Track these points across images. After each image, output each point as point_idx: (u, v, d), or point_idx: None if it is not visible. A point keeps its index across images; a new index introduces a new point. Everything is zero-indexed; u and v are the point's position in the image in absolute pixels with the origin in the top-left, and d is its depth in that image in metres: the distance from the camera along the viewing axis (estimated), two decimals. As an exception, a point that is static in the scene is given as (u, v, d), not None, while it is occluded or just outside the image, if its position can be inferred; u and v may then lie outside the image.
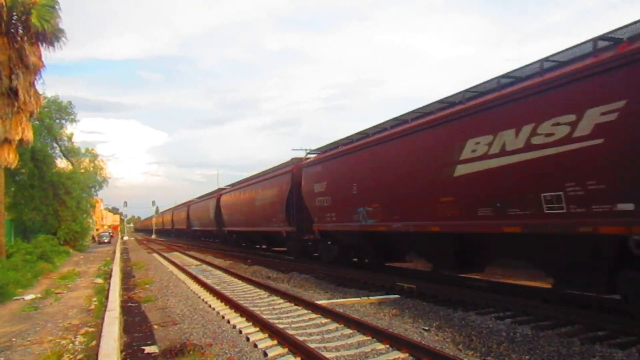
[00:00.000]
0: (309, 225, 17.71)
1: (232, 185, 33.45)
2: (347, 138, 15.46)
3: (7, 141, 16.91)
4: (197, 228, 46.45)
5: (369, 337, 7.23)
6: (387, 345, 6.76)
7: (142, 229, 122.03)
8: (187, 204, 52.59)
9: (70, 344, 7.51)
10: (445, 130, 10.31)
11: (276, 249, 26.98)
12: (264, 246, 29.33)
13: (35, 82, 17.92)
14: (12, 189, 26.72)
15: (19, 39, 17.24)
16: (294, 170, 19.24)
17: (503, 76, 9.41)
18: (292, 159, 21.09)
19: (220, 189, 36.87)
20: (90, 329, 8.44)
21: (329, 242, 16.97)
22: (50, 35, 17.37)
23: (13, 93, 16.67)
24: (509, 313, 8.75)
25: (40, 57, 17.55)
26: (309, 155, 18.80)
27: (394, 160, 12.18)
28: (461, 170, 9.62)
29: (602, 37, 7.60)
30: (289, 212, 19.40)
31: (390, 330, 7.48)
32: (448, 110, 10.50)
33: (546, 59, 8.56)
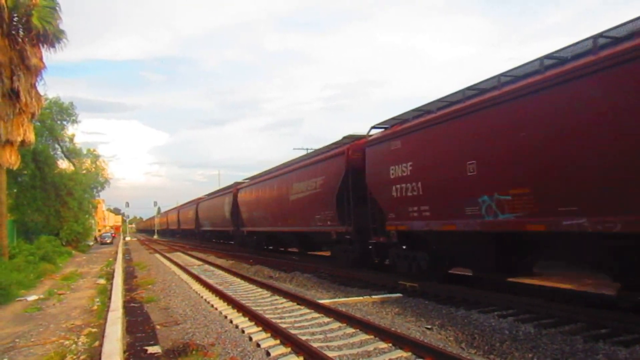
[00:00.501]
0: (377, 223, 13.04)
1: (252, 178, 28.26)
2: (440, 100, 10.93)
3: (8, 142, 16.95)
4: (207, 228, 41.23)
5: (372, 336, 7.23)
6: (390, 344, 6.76)
7: (145, 229, 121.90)
8: (196, 202, 46.86)
9: (73, 345, 7.52)
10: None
11: (313, 253, 22.49)
12: (294, 250, 24.73)
13: (37, 84, 17.97)
14: (14, 190, 26.80)
15: (20, 40, 17.27)
16: (350, 152, 14.60)
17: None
18: (344, 138, 16.31)
19: (237, 183, 31.02)
20: (93, 330, 8.46)
21: (412, 248, 12.18)
22: (51, 37, 17.41)
23: (14, 94, 16.71)
24: (512, 311, 8.73)
25: (41, 59, 17.59)
26: (373, 131, 13.71)
27: (562, 116, 7.51)
28: None
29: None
30: (341, 207, 14.88)
31: (392, 329, 7.47)
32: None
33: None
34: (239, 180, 31.81)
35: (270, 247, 26.85)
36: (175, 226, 63.62)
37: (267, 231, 24.00)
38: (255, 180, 26.19)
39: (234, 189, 30.32)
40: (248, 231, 27.27)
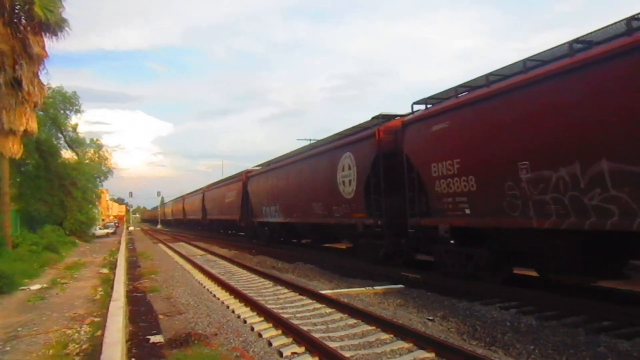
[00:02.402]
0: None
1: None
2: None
3: (11, 132, 16.92)
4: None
5: (374, 327, 7.23)
6: (392, 335, 6.76)
7: (149, 219, 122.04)
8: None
9: (76, 334, 7.55)
10: None
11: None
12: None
13: (39, 73, 17.89)
14: (18, 180, 26.82)
15: (22, 29, 17.20)
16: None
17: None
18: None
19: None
20: (96, 319, 8.48)
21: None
22: (54, 25, 17.30)
23: (17, 83, 16.66)
24: (514, 303, 8.71)
25: (43, 47, 17.50)
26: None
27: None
28: None
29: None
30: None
31: (394, 320, 7.48)
32: None
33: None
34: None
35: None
36: (181, 216, 62.20)
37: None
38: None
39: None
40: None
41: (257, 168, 28.01)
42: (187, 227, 60.03)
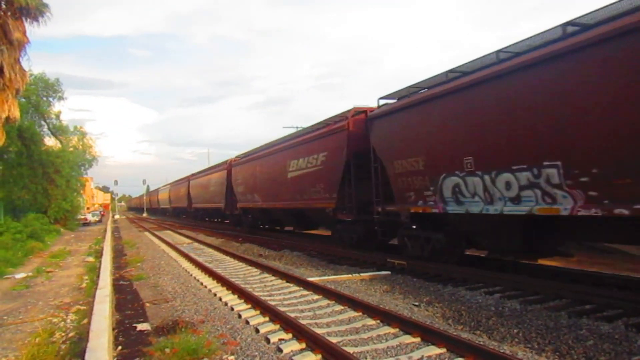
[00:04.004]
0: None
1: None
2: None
3: (-7, 119, 16.63)
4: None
5: (360, 313, 7.30)
6: (378, 321, 6.83)
7: (136, 207, 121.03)
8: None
9: (62, 322, 7.52)
10: None
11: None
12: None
13: (21, 59, 17.51)
14: (0, 168, 26.43)
15: (2, 14, 16.80)
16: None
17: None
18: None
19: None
20: (82, 307, 8.45)
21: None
22: (34, 10, 16.92)
23: (-2, 70, 16.32)
24: (498, 288, 8.86)
25: (24, 33, 17.12)
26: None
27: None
28: None
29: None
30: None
31: (381, 306, 7.55)
32: None
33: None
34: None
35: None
36: (167, 204, 61.82)
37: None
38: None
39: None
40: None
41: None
42: (173, 215, 59.96)
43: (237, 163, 27.56)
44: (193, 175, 43.65)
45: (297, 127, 20.84)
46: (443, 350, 5.56)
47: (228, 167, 29.05)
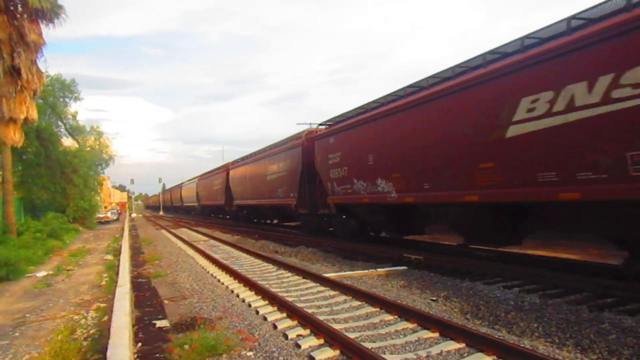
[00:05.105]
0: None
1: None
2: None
3: (12, 120, 16.90)
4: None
5: (377, 309, 7.28)
6: (396, 316, 6.81)
7: (153, 205, 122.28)
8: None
9: (83, 319, 7.63)
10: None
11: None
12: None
13: (37, 60, 17.79)
14: (20, 168, 26.84)
15: (18, 16, 17.04)
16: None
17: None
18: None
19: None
20: (102, 305, 8.56)
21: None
22: (49, 12, 17.15)
23: (15, 71, 16.58)
24: (517, 282, 8.77)
25: (40, 35, 17.37)
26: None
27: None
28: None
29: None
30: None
31: (398, 301, 7.52)
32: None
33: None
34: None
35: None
36: (179, 203, 64.18)
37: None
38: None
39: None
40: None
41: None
42: (185, 213, 62.30)
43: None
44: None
45: (310, 124, 21.19)
46: (462, 345, 5.52)
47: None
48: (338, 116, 16.22)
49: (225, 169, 34.09)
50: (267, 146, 25.50)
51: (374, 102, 13.75)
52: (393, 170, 12.38)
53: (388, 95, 13.00)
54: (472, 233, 10.95)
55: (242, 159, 30.76)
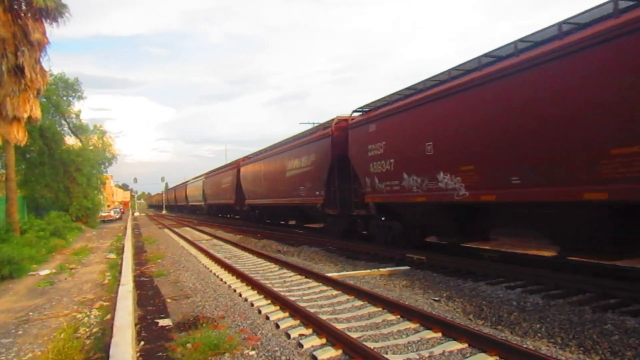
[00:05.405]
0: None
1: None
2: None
3: (15, 119, 16.93)
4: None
5: (380, 309, 7.28)
6: (398, 316, 6.80)
7: (156, 204, 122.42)
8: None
9: (86, 318, 7.65)
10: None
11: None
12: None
13: (41, 59, 17.82)
14: (23, 167, 26.91)
15: (22, 15, 17.08)
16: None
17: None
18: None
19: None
20: (105, 303, 8.58)
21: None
22: (53, 11, 17.18)
23: (19, 70, 16.60)
24: (520, 283, 8.76)
25: (44, 34, 17.40)
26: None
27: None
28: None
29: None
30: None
31: (400, 301, 7.52)
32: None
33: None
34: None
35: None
36: (184, 202, 63.17)
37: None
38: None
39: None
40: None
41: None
42: (190, 212, 61.22)
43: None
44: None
45: (313, 123, 21.15)
46: (464, 345, 5.52)
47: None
48: (378, 100, 13.69)
49: (236, 165, 31.77)
50: (284, 139, 23.25)
51: (430, 79, 11.38)
52: (462, 162, 9.99)
53: (442, 73, 10.88)
54: (581, 242, 8.59)
55: (255, 154, 28.60)
